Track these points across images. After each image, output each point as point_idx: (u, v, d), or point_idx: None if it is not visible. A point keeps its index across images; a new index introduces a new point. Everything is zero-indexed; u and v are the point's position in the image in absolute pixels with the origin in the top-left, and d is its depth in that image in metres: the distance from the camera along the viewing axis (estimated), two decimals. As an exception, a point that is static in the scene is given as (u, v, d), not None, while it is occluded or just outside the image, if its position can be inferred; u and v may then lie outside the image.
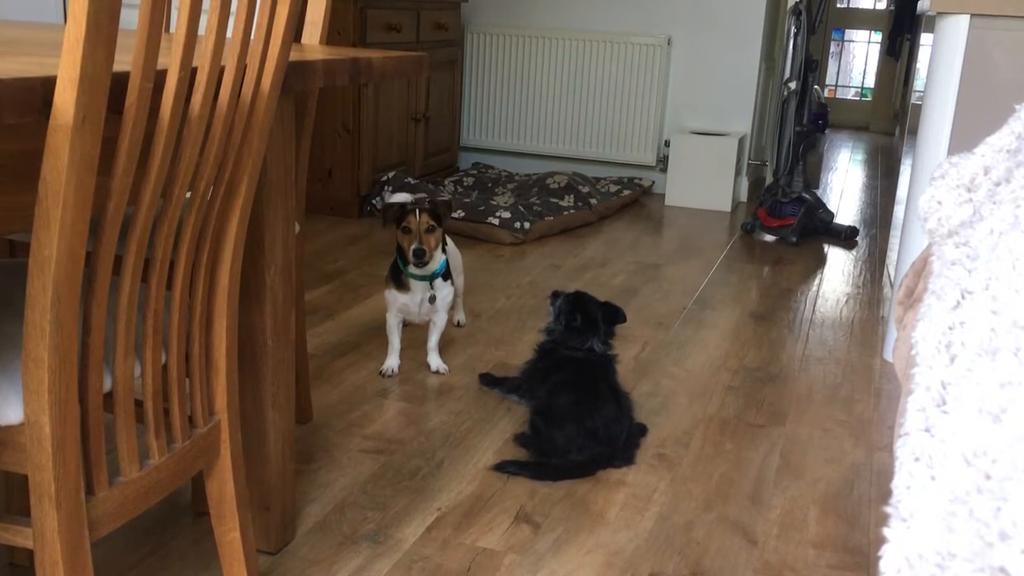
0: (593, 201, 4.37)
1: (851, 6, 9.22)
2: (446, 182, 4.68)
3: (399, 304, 2.48)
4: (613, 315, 2.33)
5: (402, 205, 2.40)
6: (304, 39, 1.95)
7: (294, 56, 1.42)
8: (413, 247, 2.35)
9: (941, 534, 0.61)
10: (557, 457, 2.05)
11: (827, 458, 2.17)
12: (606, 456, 2.06)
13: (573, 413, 2.07)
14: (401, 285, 2.46)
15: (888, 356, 2.82)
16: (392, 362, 2.52)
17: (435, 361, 2.55)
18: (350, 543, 1.74)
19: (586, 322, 2.28)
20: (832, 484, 2.05)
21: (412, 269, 2.41)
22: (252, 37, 1.15)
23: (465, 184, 4.67)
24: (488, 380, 2.46)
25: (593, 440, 2.05)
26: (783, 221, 4.21)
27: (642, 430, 2.23)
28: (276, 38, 1.19)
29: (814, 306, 3.31)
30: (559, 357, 2.27)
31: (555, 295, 2.37)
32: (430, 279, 2.44)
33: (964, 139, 2.53)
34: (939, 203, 1.23)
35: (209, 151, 1.14)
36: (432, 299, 2.46)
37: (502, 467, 2.02)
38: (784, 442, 2.24)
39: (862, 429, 2.33)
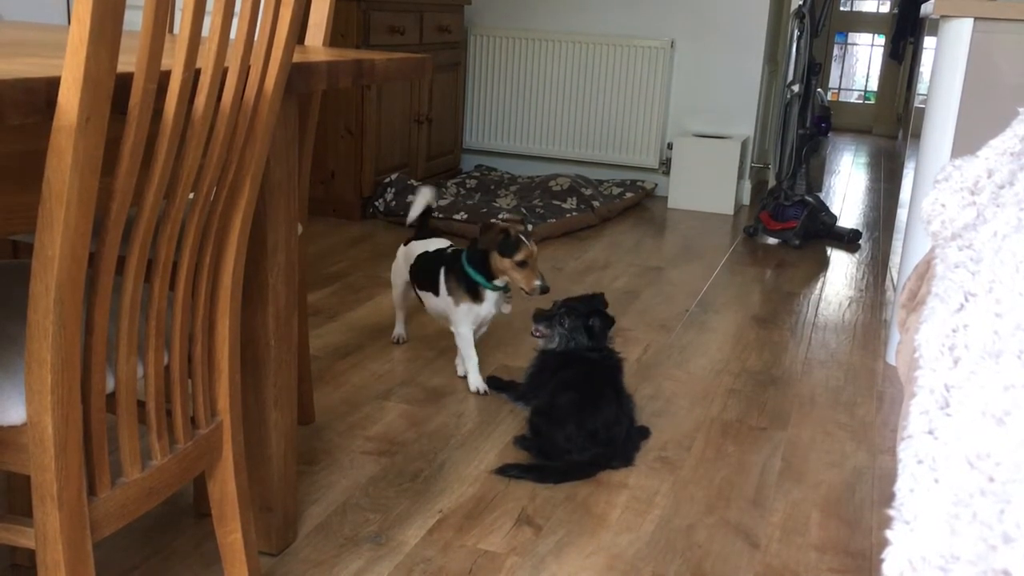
0: (596, 204, 4.37)
1: (854, 9, 9.22)
2: (449, 184, 4.68)
3: (473, 315, 2.42)
4: (603, 318, 2.30)
5: (504, 230, 2.32)
6: (307, 41, 1.96)
7: (297, 58, 1.42)
8: (538, 284, 2.30)
9: (944, 537, 0.61)
10: (557, 457, 2.05)
11: (829, 461, 2.16)
12: (606, 457, 2.06)
13: (574, 413, 2.07)
14: (478, 297, 2.39)
15: (891, 359, 2.82)
16: (478, 379, 2.45)
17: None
18: (352, 545, 1.74)
19: (586, 326, 2.27)
20: (834, 487, 2.04)
21: (497, 283, 2.38)
22: (256, 38, 1.15)
23: (468, 186, 4.67)
24: (495, 384, 2.45)
25: (593, 441, 2.05)
26: (786, 224, 4.21)
27: (643, 432, 2.23)
28: (279, 40, 1.19)
29: (816, 309, 3.31)
30: (564, 357, 2.26)
31: (546, 315, 2.34)
32: (505, 289, 2.42)
33: (967, 142, 2.52)
34: (942, 206, 1.23)
35: (212, 152, 1.14)
36: (498, 304, 2.45)
37: (504, 471, 2.02)
38: (786, 445, 2.24)
39: (864, 432, 2.33)
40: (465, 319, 2.41)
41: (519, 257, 2.30)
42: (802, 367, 2.74)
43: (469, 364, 2.44)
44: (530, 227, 2.45)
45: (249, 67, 1.16)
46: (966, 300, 0.87)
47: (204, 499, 1.78)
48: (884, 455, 2.21)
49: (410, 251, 2.58)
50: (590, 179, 4.75)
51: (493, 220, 2.47)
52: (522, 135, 5.17)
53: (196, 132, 1.08)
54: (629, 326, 3.00)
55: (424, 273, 2.49)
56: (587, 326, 2.26)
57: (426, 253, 2.51)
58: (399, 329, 2.73)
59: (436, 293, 2.45)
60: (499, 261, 2.32)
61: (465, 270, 2.38)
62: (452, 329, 2.45)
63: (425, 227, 2.63)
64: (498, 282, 2.38)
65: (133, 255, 1.07)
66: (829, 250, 4.19)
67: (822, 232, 4.31)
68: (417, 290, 2.53)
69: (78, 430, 1.05)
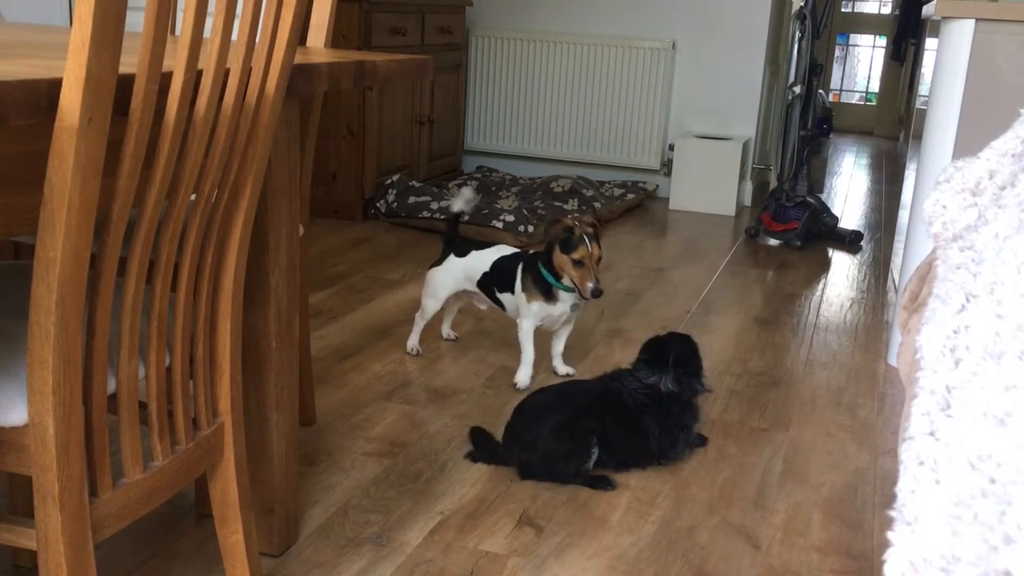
0: (597, 205, 4.37)
1: (856, 11, 9.22)
2: (450, 185, 4.68)
3: (544, 314, 2.45)
4: (686, 359, 2.09)
5: (569, 226, 2.33)
6: (309, 42, 1.96)
7: (299, 59, 1.43)
8: (590, 286, 2.30)
9: (946, 538, 0.61)
10: (506, 451, 2.05)
11: (831, 463, 2.16)
12: (526, 467, 2.01)
13: (521, 418, 2.04)
14: (551, 297, 2.42)
15: (892, 360, 2.82)
16: (527, 374, 2.48)
17: (564, 366, 2.56)
18: (353, 546, 1.74)
19: (654, 360, 2.08)
20: (836, 489, 2.04)
21: (565, 282, 2.38)
22: (257, 40, 1.15)
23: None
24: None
25: (522, 449, 2.01)
26: (787, 225, 4.21)
27: (604, 482, 2.00)
28: (281, 41, 1.19)
29: (818, 310, 3.31)
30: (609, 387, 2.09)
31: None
32: (572, 290, 2.41)
33: (969, 143, 2.52)
34: (944, 207, 1.23)
35: (214, 153, 1.14)
36: (575, 307, 2.44)
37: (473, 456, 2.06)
38: (788, 447, 2.23)
39: (866, 434, 2.32)
40: (533, 316, 2.45)
41: (576, 255, 2.32)
42: (804, 368, 2.74)
43: (524, 358, 2.48)
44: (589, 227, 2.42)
45: (251, 68, 1.16)
46: (967, 301, 0.87)
47: (205, 500, 1.78)
48: (886, 456, 2.21)
49: (473, 262, 2.57)
50: (591, 180, 4.75)
51: (563, 217, 2.49)
52: (523, 136, 5.17)
53: (198, 133, 1.08)
54: (631, 327, 3.00)
55: (504, 275, 2.52)
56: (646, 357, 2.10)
57: (504, 257, 2.53)
58: (415, 341, 2.68)
59: (513, 291, 2.49)
60: (559, 257, 2.35)
61: (539, 269, 2.42)
62: (518, 323, 2.50)
63: (456, 233, 2.65)
64: (565, 281, 2.39)
65: (135, 256, 1.07)
66: (830, 251, 4.19)
67: (823, 233, 4.30)
68: (498, 293, 2.54)
69: (80, 431, 1.05)
